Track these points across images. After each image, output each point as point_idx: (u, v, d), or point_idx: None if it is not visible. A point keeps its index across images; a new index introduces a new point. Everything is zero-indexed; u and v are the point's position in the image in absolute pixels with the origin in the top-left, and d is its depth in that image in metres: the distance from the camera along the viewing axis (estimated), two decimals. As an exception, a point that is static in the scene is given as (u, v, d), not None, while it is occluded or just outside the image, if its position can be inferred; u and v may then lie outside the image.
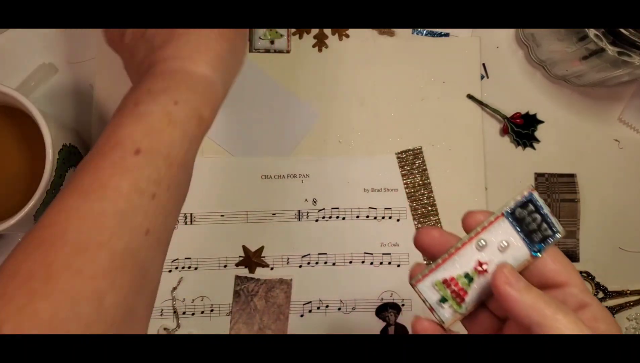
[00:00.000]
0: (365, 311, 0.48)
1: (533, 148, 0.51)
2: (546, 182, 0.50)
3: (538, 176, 0.50)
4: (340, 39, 0.51)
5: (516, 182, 0.50)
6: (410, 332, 0.31)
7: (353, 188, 0.50)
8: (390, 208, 0.50)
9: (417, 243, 0.31)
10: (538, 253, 0.28)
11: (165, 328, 0.48)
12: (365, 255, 0.49)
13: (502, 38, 0.52)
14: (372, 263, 0.49)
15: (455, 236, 0.30)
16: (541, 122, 0.51)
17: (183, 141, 0.29)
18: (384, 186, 0.50)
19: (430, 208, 0.50)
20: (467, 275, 0.29)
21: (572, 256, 0.50)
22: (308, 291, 0.49)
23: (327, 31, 0.51)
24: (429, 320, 0.30)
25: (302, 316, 0.48)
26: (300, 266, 0.49)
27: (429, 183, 0.50)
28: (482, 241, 0.29)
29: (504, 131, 0.51)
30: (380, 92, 0.51)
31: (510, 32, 0.53)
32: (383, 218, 0.49)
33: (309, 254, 0.49)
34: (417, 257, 0.49)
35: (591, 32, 0.42)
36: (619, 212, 0.50)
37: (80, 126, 0.51)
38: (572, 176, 0.51)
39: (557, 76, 0.51)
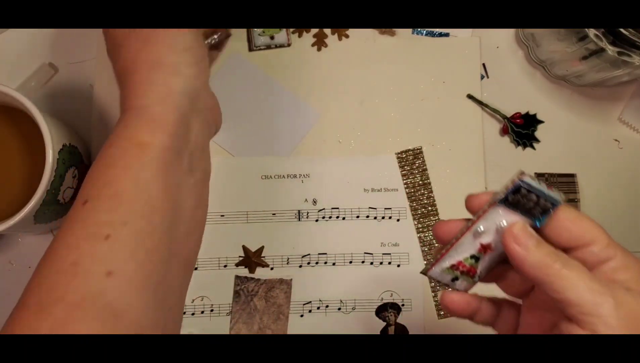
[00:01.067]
0: (365, 311, 0.48)
1: (533, 148, 0.51)
2: (546, 182, 0.50)
3: (538, 176, 0.50)
4: (340, 38, 0.51)
5: (516, 182, 0.50)
6: (440, 300, 0.32)
7: (353, 188, 0.50)
8: (390, 208, 0.49)
9: (436, 236, 0.32)
10: (540, 224, 0.28)
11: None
12: (365, 255, 0.49)
13: (502, 38, 0.52)
14: (372, 263, 0.49)
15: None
16: (541, 122, 0.51)
17: (126, 173, 0.29)
18: (384, 186, 0.50)
19: (430, 208, 0.49)
20: (472, 256, 0.30)
21: (572, 256, 0.50)
22: (308, 291, 0.49)
23: (327, 31, 0.51)
24: (455, 291, 0.31)
25: (302, 316, 0.48)
26: (300, 266, 0.49)
27: (429, 183, 0.50)
28: (480, 228, 0.30)
29: (504, 131, 0.51)
30: (380, 92, 0.51)
31: (510, 32, 0.53)
32: (383, 218, 0.49)
33: (309, 254, 0.49)
34: (418, 257, 0.49)
35: (591, 32, 0.42)
36: (619, 212, 0.50)
37: (80, 126, 0.51)
38: (572, 176, 0.51)
39: (557, 76, 0.51)
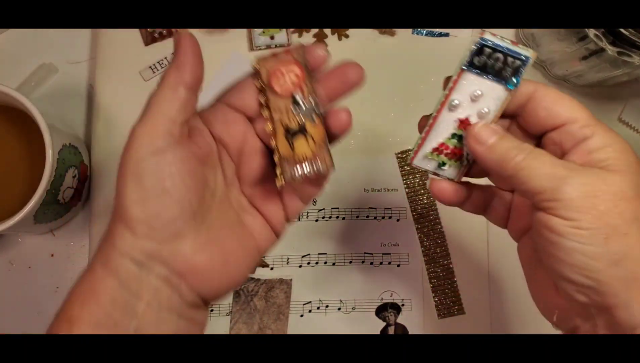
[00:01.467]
0: (365, 312, 0.48)
1: (533, 147, 0.51)
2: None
3: (538, 176, 0.50)
4: (340, 38, 0.51)
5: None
6: (429, 188, 0.31)
7: (353, 188, 0.50)
8: (390, 208, 0.49)
9: (420, 128, 0.31)
10: (513, 86, 0.28)
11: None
12: (365, 255, 0.49)
13: (502, 38, 0.52)
14: (372, 263, 0.49)
15: (466, 183, 0.31)
16: (541, 122, 0.51)
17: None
18: (384, 186, 0.50)
19: (430, 208, 0.49)
20: (454, 135, 0.29)
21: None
22: (308, 291, 0.49)
23: (327, 30, 0.51)
24: (444, 179, 0.31)
25: (302, 316, 0.48)
26: (300, 266, 0.49)
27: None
28: (454, 101, 0.29)
29: (504, 131, 0.51)
30: (380, 92, 0.51)
31: (510, 32, 0.53)
32: (383, 218, 0.49)
33: (309, 254, 0.49)
34: (418, 257, 0.49)
35: (591, 32, 0.42)
36: (619, 212, 0.50)
37: (80, 126, 0.51)
38: (572, 176, 0.50)
39: (557, 76, 0.51)
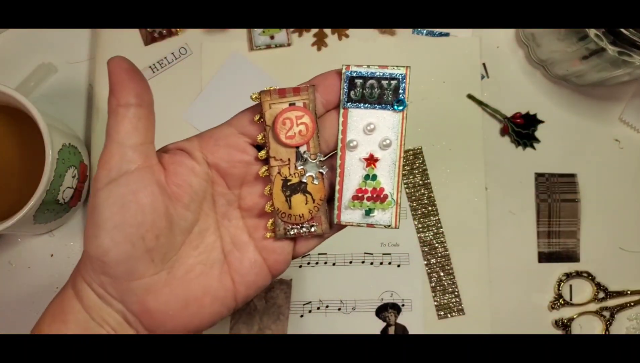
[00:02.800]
0: (365, 312, 0.48)
1: (533, 147, 0.51)
2: (546, 182, 0.50)
3: (538, 176, 0.50)
4: (340, 38, 0.51)
5: (516, 182, 0.50)
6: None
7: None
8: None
9: None
10: (401, 107, 0.27)
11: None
12: (365, 255, 0.49)
13: (502, 38, 0.52)
14: (372, 263, 0.49)
15: None
16: (541, 122, 0.51)
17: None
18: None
19: (430, 208, 0.49)
20: (367, 176, 0.28)
21: (573, 256, 0.50)
22: (308, 292, 0.48)
23: (327, 30, 0.51)
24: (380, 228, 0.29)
25: (302, 316, 0.48)
26: (300, 266, 0.49)
27: (429, 183, 0.50)
28: (352, 142, 0.28)
29: (504, 131, 0.51)
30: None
31: (511, 32, 0.52)
32: (383, 218, 0.49)
33: (309, 254, 0.49)
34: (418, 257, 0.49)
35: (591, 32, 0.42)
36: (619, 212, 0.50)
37: (79, 126, 0.51)
38: (572, 176, 0.51)
39: (558, 76, 0.51)
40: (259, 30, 0.50)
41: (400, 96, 0.27)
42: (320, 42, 0.51)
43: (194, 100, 0.50)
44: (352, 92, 0.27)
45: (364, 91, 0.27)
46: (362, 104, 0.27)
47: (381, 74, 0.27)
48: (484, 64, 0.52)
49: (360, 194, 0.28)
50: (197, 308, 0.28)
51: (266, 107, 0.27)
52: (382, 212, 0.28)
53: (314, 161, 0.28)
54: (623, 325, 0.49)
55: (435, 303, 0.48)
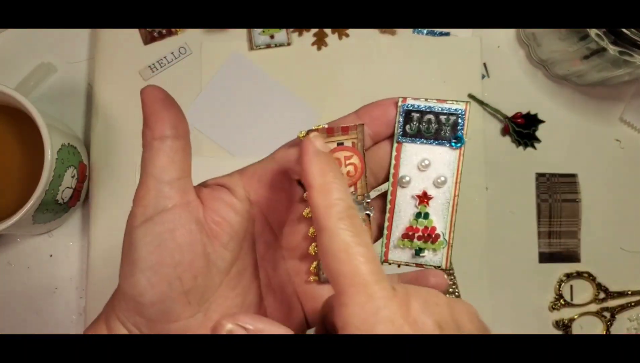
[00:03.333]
0: (366, 312, 0.48)
1: (534, 147, 0.51)
2: (547, 182, 0.50)
3: (539, 176, 0.50)
4: (340, 38, 0.51)
5: (517, 182, 0.50)
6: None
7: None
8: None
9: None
10: (459, 144, 0.26)
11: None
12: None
13: (503, 37, 0.52)
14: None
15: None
16: (542, 122, 0.51)
17: None
18: (384, 185, 0.50)
19: (430, 208, 0.49)
20: (418, 215, 0.27)
21: (573, 256, 0.50)
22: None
23: (327, 30, 0.51)
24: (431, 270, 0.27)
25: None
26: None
27: (430, 183, 0.50)
28: (404, 178, 0.27)
29: (504, 131, 0.51)
30: (380, 92, 0.51)
31: (511, 31, 0.52)
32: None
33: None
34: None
35: (592, 31, 0.42)
36: (620, 212, 0.50)
37: (79, 126, 0.50)
38: (573, 176, 0.50)
39: (558, 76, 0.51)
40: (259, 29, 0.50)
41: (459, 132, 0.26)
42: (320, 42, 0.51)
43: (193, 100, 0.50)
44: (407, 126, 0.26)
45: (421, 126, 0.26)
46: (417, 139, 0.26)
47: (440, 108, 0.26)
48: (484, 64, 0.52)
49: (410, 233, 0.27)
50: None
51: None
52: (432, 252, 0.27)
53: (362, 203, 0.27)
54: (624, 325, 0.49)
55: (436, 303, 0.48)
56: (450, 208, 0.27)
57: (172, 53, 0.50)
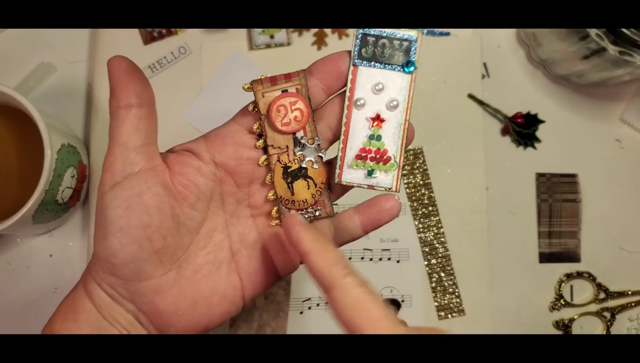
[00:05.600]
0: (366, 312, 0.48)
1: (534, 147, 0.51)
2: (547, 182, 0.50)
3: (539, 176, 0.50)
4: (340, 37, 0.51)
5: (517, 182, 0.50)
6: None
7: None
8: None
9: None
10: (410, 69, 0.27)
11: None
12: (365, 251, 0.49)
13: (503, 37, 0.52)
14: (371, 259, 0.49)
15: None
16: (542, 122, 0.51)
17: None
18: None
19: (430, 208, 0.49)
20: (371, 136, 0.28)
21: (574, 256, 0.50)
22: (307, 288, 0.48)
23: (327, 30, 0.51)
24: (381, 192, 0.29)
25: (301, 313, 0.48)
26: (301, 263, 0.49)
27: (430, 183, 0.50)
28: (359, 100, 0.28)
29: (504, 131, 0.51)
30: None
31: (511, 31, 0.52)
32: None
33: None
34: (417, 253, 0.49)
35: (592, 31, 0.42)
36: (620, 212, 0.50)
37: (79, 126, 0.50)
38: (573, 176, 0.50)
39: (558, 76, 0.51)
40: (259, 29, 0.50)
41: (412, 57, 0.27)
42: (320, 42, 0.51)
43: (193, 100, 0.50)
44: (363, 50, 0.27)
45: (375, 50, 0.27)
46: (372, 63, 0.27)
47: (394, 34, 0.27)
48: (484, 64, 0.52)
49: (363, 154, 0.28)
50: (205, 307, 0.28)
51: (259, 96, 0.27)
52: (384, 174, 0.28)
53: (312, 145, 0.28)
54: (624, 325, 0.49)
55: (436, 303, 0.48)
56: (401, 132, 0.28)
57: (172, 53, 0.50)
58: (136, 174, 0.26)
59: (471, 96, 0.51)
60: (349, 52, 0.28)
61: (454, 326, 0.48)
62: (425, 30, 0.52)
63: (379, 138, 0.28)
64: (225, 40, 0.51)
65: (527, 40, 0.51)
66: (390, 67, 0.27)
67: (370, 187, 0.29)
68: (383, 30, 0.27)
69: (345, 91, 0.28)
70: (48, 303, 0.47)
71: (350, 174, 0.28)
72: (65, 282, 0.48)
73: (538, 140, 0.51)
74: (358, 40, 0.27)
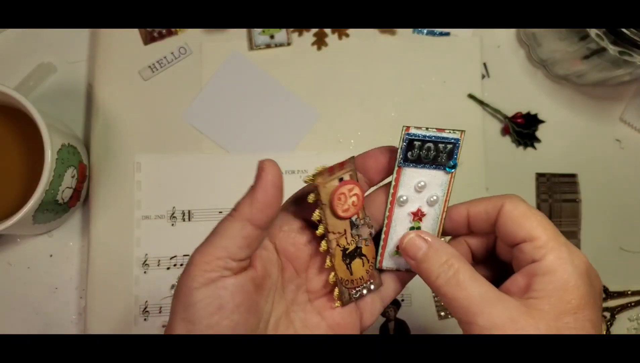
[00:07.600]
0: (366, 312, 0.48)
1: (534, 147, 0.51)
2: (547, 182, 0.50)
3: (539, 176, 0.50)
4: (340, 38, 0.51)
5: (517, 182, 0.50)
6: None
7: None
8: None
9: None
10: (452, 169, 0.29)
11: (164, 326, 0.47)
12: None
13: (503, 37, 0.52)
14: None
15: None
16: (542, 122, 0.51)
17: None
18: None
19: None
20: (412, 229, 0.30)
21: (573, 256, 0.50)
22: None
23: (327, 30, 0.51)
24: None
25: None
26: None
27: (430, 183, 0.50)
28: (402, 197, 0.29)
29: (504, 131, 0.51)
30: (380, 91, 0.51)
31: (511, 31, 0.52)
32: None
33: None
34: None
35: (592, 31, 0.42)
36: (620, 212, 0.50)
37: (79, 126, 0.50)
38: (573, 176, 0.50)
39: (558, 76, 0.51)
40: (259, 29, 0.50)
41: (454, 159, 0.29)
42: (320, 42, 0.51)
43: (193, 100, 0.50)
44: (409, 153, 0.28)
45: (421, 153, 0.29)
46: (416, 164, 0.29)
47: (439, 137, 0.28)
48: (484, 64, 0.52)
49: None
50: None
51: (322, 187, 0.28)
52: None
53: (365, 227, 0.30)
54: (624, 325, 0.49)
55: (436, 303, 0.48)
56: (439, 222, 0.30)
57: (172, 53, 0.50)
58: (236, 273, 0.26)
59: (471, 96, 0.51)
60: (389, 148, 0.29)
61: (455, 326, 0.48)
62: (425, 31, 0.52)
63: (418, 229, 0.30)
64: (225, 40, 0.51)
65: (527, 41, 0.51)
66: (432, 167, 0.29)
67: (408, 271, 0.31)
68: (429, 133, 0.28)
69: (387, 184, 0.30)
70: (48, 303, 0.47)
71: (391, 261, 0.31)
72: (65, 282, 0.48)
73: (538, 140, 0.51)
74: (404, 144, 0.28)
